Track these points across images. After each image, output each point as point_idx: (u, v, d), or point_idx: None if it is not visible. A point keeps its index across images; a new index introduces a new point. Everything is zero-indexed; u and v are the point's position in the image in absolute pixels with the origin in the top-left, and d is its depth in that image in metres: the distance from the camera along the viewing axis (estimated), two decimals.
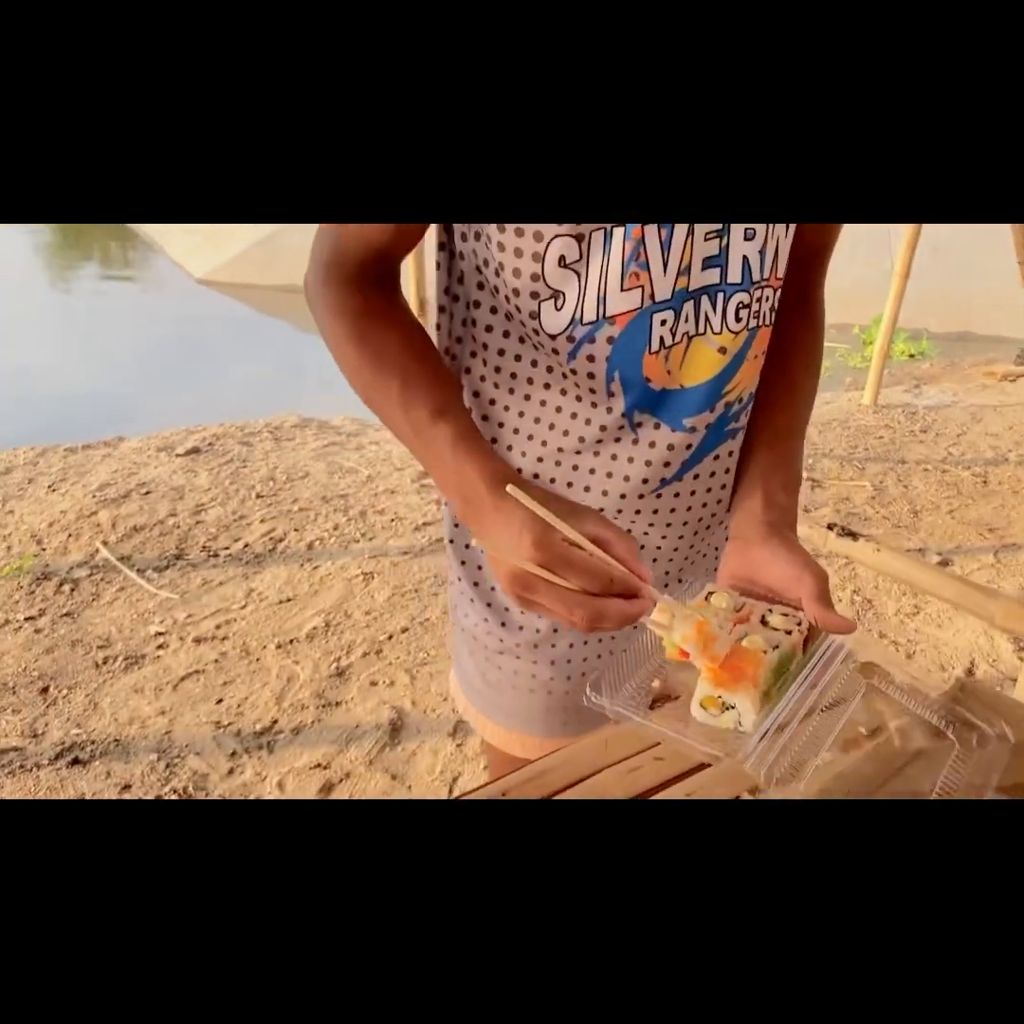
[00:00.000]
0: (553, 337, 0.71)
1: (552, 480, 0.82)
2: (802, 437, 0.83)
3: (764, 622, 0.68)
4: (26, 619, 2.43)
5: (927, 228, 4.09)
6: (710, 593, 0.71)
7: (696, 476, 0.81)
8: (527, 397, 0.79)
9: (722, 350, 0.74)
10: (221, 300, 8.15)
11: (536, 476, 0.82)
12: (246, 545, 2.83)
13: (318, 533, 2.91)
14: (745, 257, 0.71)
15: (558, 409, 0.79)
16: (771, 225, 0.72)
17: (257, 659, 2.31)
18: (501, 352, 0.78)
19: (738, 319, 0.73)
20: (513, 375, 0.78)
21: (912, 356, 6.20)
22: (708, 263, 0.70)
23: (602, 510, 0.82)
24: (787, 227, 0.74)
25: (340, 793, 1.90)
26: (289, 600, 2.56)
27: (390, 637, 2.41)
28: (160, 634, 2.40)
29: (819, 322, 0.87)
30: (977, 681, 0.84)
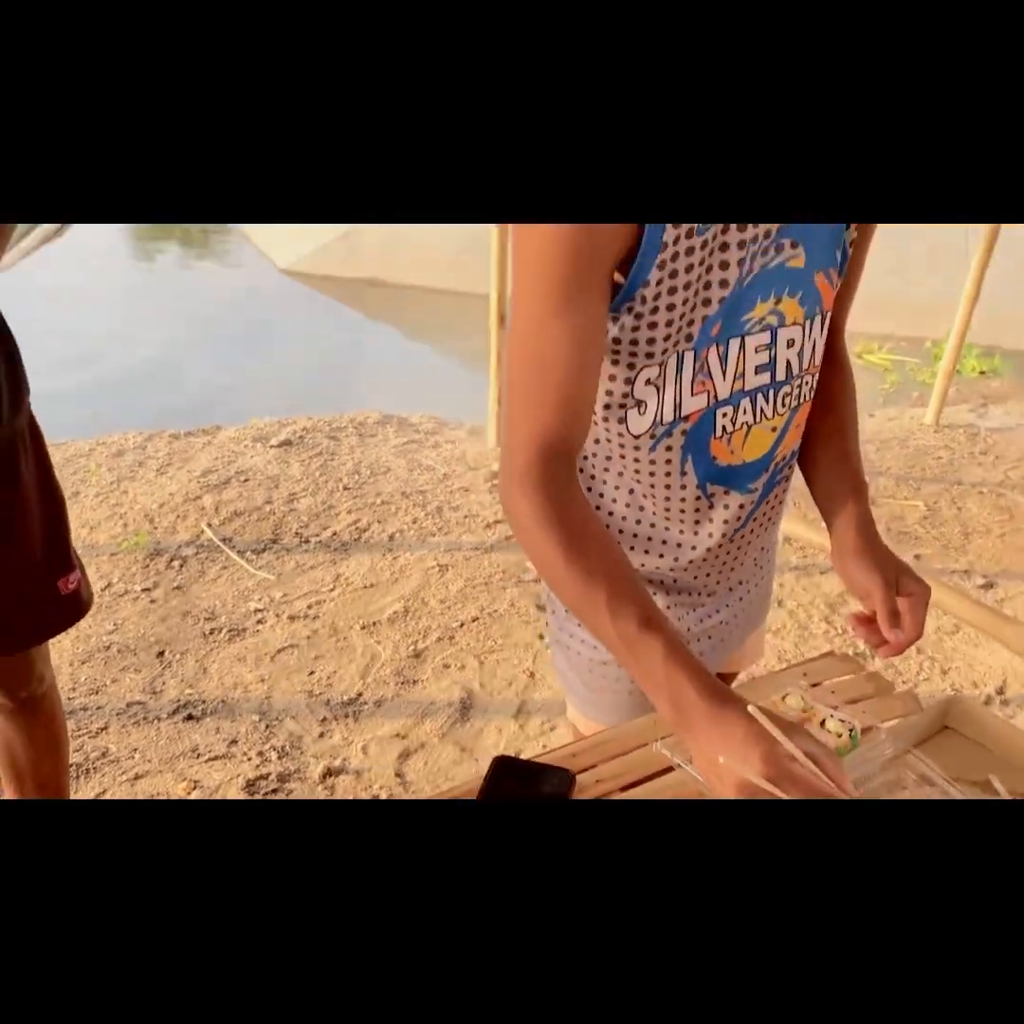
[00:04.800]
0: (636, 436, 0.90)
1: (649, 539, 0.99)
2: (858, 454, 1.01)
3: (823, 724, 0.87)
4: (142, 590, 2.74)
5: (1005, 239, 4.13)
6: (786, 695, 0.91)
7: (755, 519, 1.02)
8: (620, 474, 0.96)
9: (773, 429, 0.95)
10: (301, 289, 8.51)
11: (636, 536, 0.99)
12: (334, 533, 3.11)
13: (399, 525, 3.18)
14: (788, 360, 0.92)
15: (642, 486, 0.95)
16: (808, 329, 0.92)
17: (344, 638, 2.59)
18: (596, 440, 0.95)
19: (784, 404, 0.94)
20: (608, 458, 0.95)
21: (982, 373, 6.21)
22: (759, 369, 0.90)
23: (690, 561, 1.01)
24: (823, 326, 0.94)
25: (416, 760, 2.16)
26: (372, 586, 2.83)
27: (462, 625, 2.66)
28: (259, 610, 2.69)
29: (847, 366, 1.06)
30: (963, 698, 1.05)
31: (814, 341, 0.93)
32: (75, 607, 1.41)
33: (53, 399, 4.75)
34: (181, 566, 2.88)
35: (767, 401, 0.93)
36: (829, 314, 0.94)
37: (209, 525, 3.10)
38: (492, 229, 3.46)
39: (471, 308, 7.28)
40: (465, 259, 8.09)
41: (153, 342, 6.09)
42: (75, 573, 1.40)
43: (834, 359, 1.04)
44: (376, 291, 8.24)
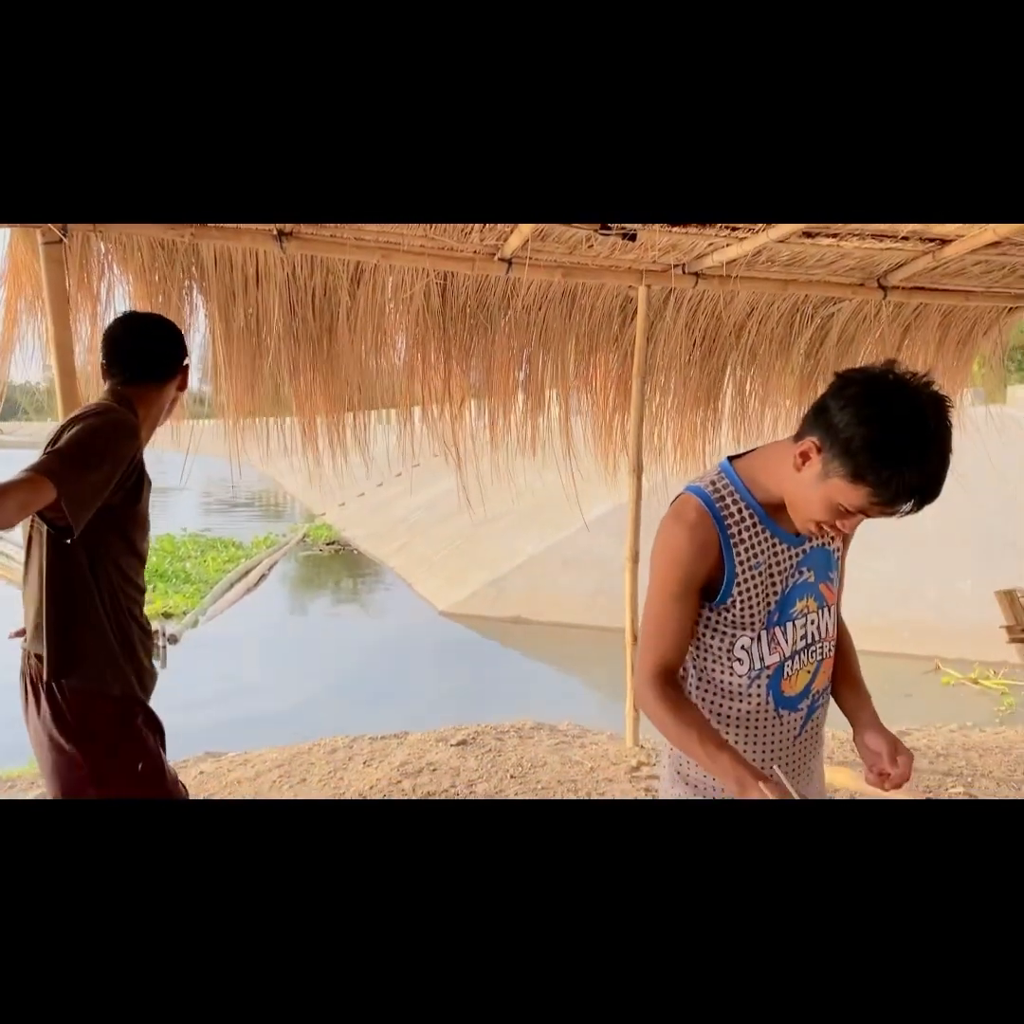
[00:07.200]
0: (739, 676, 1.62)
1: (742, 741, 1.69)
2: (861, 678, 1.76)
3: None
4: None
5: None
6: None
7: (805, 730, 1.76)
8: (720, 707, 1.67)
9: (808, 672, 1.74)
10: (459, 629, 9.85)
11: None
12: None
13: None
14: (813, 633, 1.71)
15: (740, 712, 1.65)
16: (821, 615, 1.72)
17: None
18: (711, 680, 1.74)
19: (812, 658, 1.73)
20: (717, 693, 1.67)
21: None
22: (802, 638, 1.70)
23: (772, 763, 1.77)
24: (829, 612, 1.75)
25: None
26: None
27: None
28: None
29: (846, 631, 1.81)
30: None
31: (827, 622, 1.76)
32: None
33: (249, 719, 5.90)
34: None
35: (807, 656, 1.74)
36: (834, 606, 1.77)
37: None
38: (625, 577, 4.55)
39: (603, 640, 8.34)
40: (599, 600, 9.32)
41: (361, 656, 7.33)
42: None
43: (840, 630, 1.86)
44: (522, 628, 9.50)
